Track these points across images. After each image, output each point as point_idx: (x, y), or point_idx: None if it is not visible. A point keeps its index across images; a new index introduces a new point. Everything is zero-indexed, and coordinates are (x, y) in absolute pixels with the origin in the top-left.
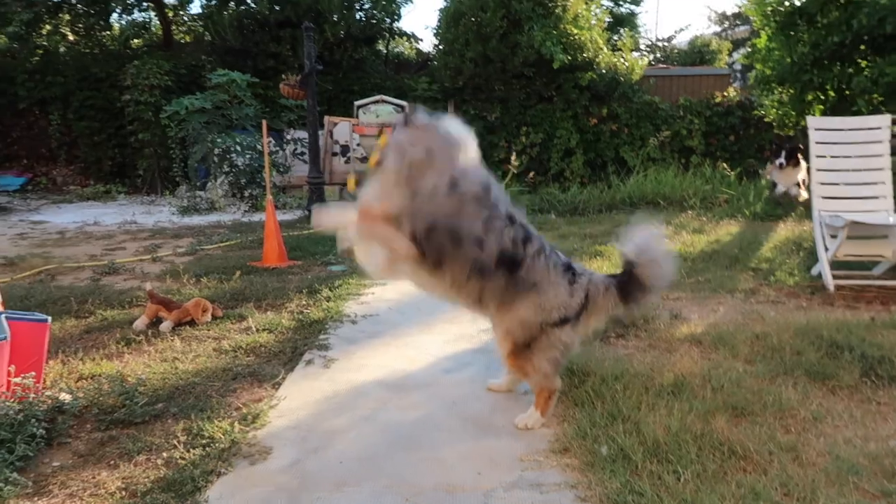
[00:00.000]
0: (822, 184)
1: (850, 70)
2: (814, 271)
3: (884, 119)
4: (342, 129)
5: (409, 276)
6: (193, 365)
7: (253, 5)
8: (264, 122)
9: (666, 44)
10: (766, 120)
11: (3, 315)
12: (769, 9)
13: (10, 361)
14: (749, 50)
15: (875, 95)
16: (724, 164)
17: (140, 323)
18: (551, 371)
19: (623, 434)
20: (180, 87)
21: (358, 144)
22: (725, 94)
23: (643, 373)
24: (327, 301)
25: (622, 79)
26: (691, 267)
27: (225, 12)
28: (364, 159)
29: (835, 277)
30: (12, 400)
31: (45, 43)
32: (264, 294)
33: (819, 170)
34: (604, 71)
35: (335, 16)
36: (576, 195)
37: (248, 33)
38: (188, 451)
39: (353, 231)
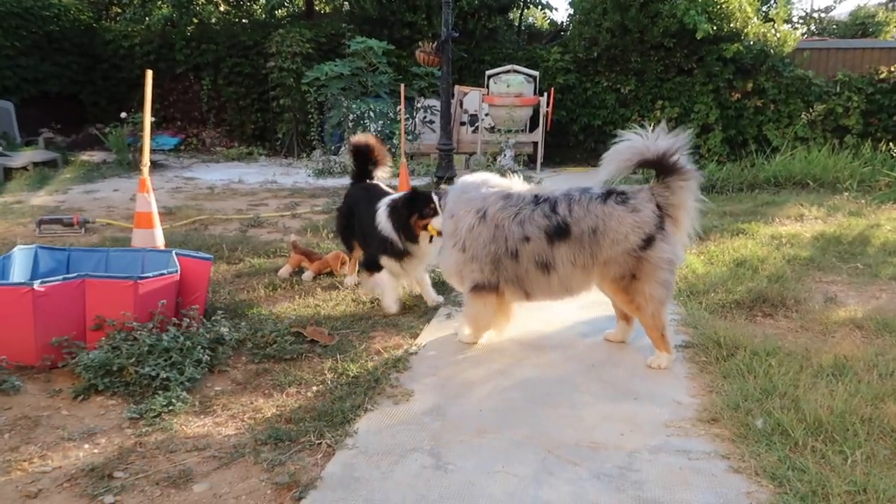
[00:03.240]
0: None
1: None
2: None
3: None
4: (472, 98)
5: None
6: (334, 312)
7: None
8: (402, 87)
9: (823, 14)
10: None
11: (174, 252)
12: None
13: (179, 294)
14: None
15: None
16: (891, 145)
17: (284, 271)
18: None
19: (780, 409)
20: (320, 54)
21: (487, 114)
22: (893, 68)
23: (798, 352)
24: None
25: (772, 51)
26: (847, 251)
27: None
28: (492, 130)
29: None
30: (180, 329)
31: (200, 12)
32: None
33: None
34: (752, 42)
35: None
36: (713, 172)
37: (385, 2)
38: (336, 387)
39: None
